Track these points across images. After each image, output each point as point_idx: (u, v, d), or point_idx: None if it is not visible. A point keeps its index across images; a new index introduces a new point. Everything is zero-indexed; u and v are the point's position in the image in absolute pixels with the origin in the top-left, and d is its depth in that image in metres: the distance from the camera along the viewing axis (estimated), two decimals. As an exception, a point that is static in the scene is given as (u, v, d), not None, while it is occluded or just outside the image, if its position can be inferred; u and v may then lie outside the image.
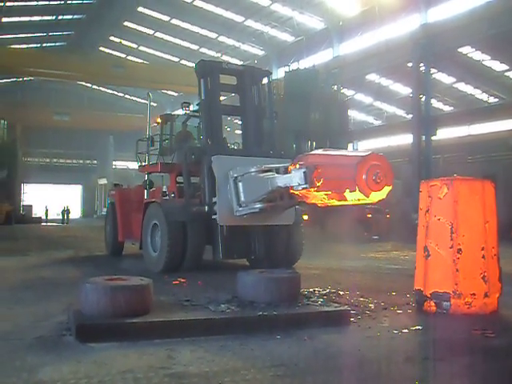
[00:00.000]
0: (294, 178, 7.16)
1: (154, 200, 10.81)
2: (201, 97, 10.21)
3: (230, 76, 11.05)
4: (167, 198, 10.94)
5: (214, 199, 9.42)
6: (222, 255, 9.49)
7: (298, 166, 7.07)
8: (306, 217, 8.85)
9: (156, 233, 10.27)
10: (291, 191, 7.43)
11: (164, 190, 11.47)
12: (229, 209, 9.13)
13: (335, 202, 6.83)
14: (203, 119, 10.44)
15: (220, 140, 10.40)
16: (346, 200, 6.57)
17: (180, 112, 13.00)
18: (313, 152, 7.56)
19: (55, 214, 50.79)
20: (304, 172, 6.85)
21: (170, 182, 11.89)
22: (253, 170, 8.72)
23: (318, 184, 6.68)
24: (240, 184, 9.00)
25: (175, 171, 11.45)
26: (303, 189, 6.94)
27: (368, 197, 6.33)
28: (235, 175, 9.05)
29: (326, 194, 6.73)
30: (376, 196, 6.39)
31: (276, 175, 8.08)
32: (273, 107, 11.07)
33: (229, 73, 10.99)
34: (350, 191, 6.33)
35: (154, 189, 12.16)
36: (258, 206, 8.67)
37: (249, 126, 10.54)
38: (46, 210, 48.88)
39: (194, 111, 12.02)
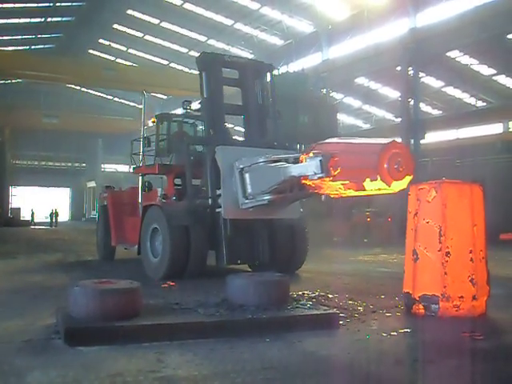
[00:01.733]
0: (309, 167, 6.88)
1: (153, 203, 10.38)
2: (202, 89, 9.79)
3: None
4: (164, 200, 10.55)
5: (218, 192, 9.07)
6: (227, 260, 9.11)
7: (312, 154, 6.84)
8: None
9: (156, 237, 9.80)
10: (303, 182, 7.16)
11: (160, 192, 11.10)
12: (234, 201, 8.76)
13: (352, 193, 6.62)
14: (205, 111, 9.90)
15: (223, 130, 9.96)
16: (364, 190, 6.37)
17: (179, 111, 12.70)
18: (328, 140, 7.14)
19: (43, 216, 50.57)
20: (320, 160, 6.62)
21: (167, 183, 11.42)
22: (261, 160, 8.37)
23: (334, 173, 6.48)
24: (247, 175, 8.61)
25: (173, 173, 11.09)
26: (319, 178, 6.71)
27: (390, 186, 6.16)
28: (241, 166, 8.66)
29: (342, 184, 6.53)
30: (397, 185, 6.22)
31: (289, 164, 7.74)
32: (276, 102, 10.58)
33: (231, 66, 10.57)
34: (371, 180, 6.17)
35: (151, 191, 11.65)
36: (267, 197, 8.27)
37: (251, 119, 10.17)
38: (32, 213, 48.64)
39: (195, 110, 11.51)
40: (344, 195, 6.81)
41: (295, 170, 7.42)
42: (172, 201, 10.50)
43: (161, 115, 12.46)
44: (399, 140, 29.41)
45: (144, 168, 11.94)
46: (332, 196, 7.08)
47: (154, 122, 12.30)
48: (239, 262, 9.62)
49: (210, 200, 9.19)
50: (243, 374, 4.01)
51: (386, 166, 6.06)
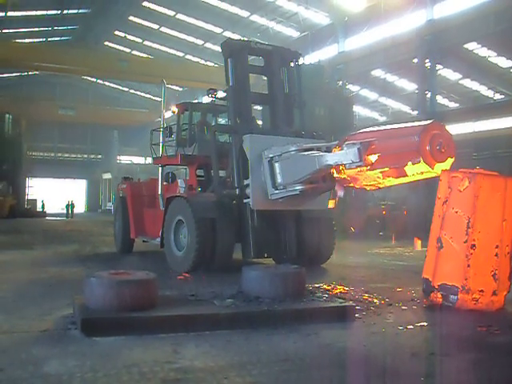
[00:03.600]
0: (347, 155, 6.66)
1: (178, 194, 10.08)
2: (228, 77, 9.42)
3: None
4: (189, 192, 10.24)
5: (246, 182, 8.79)
6: (254, 253, 8.93)
7: (349, 143, 6.64)
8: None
9: (181, 230, 9.55)
10: (335, 175, 6.97)
11: (181, 183, 10.78)
12: (263, 192, 8.53)
13: (391, 181, 6.44)
14: (231, 99, 9.49)
15: (250, 119, 9.56)
16: (405, 176, 6.19)
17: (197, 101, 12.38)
18: (362, 130, 7.01)
19: (59, 208, 50.83)
20: (358, 148, 6.44)
21: (190, 175, 11.17)
22: (293, 148, 8.10)
23: (372, 161, 6.32)
24: (277, 164, 8.36)
25: (196, 163, 10.87)
26: (357, 167, 6.50)
27: (433, 168, 5.96)
28: (271, 155, 8.41)
29: (381, 172, 6.36)
30: (440, 167, 6.03)
31: (324, 153, 7.45)
32: (302, 91, 10.25)
33: (257, 53, 10.26)
34: (413, 164, 5.97)
35: (173, 182, 11.37)
36: (299, 187, 8.04)
37: (277, 108, 9.79)
38: (43, 204, 48.90)
39: (220, 98, 10.89)
40: (381, 186, 6.65)
41: (331, 158, 7.13)
42: (197, 192, 10.31)
43: (182, 104, 12.05)
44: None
45: (165, 158, 11.69)
46: (368, 188, 6.89)
47: (174, 112, 11.97)
48: (266, 255, 9.40)
49: (237, 190, 8.95)
50: (259, 365, 4.01)
51: (428, 147, 5.88)
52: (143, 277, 5.40)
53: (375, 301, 6.61)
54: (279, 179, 8.34)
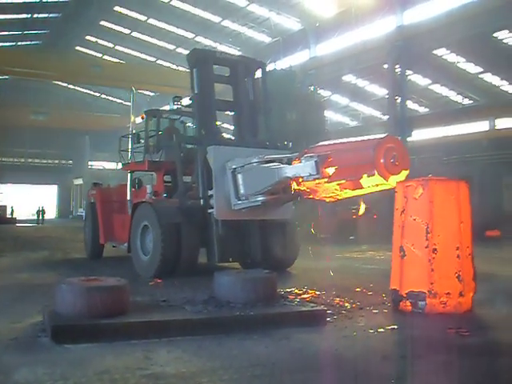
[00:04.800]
0: (304, 168, 6.85)
1: (144, 200, 10.13)
2: (193, 87, 9.62)
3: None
4: (154, 197, 10.31)
5: (210, 192, 8.95)
6: (218, 258, 9.01)
7: (307, 156, 6.80)
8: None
9: (147, 235, 9.66)
10: (295, 187, 7.14)
11: (149, 189, 10.78)
12: (226, 202, 8.73)
13: (348, 193, 6.62)
14: (196, 109, 9.70)
15: (214, 130, 9.79)
16: (361, 188, 6.39)
17: (166, 108, 12.64)
18: (320, 143, 7.20)
19: (30, 214, 50.29)
20: (315, 161, 6.61)
21: (157, 180, 11.31)
22: (254, 160, 8.29)
23: (329, 173, 6.48)
24: (239, 176, 8.55)
25: (163, 169, 11.00)
26: (314, 179, 6.68)
27: (387, 180, 6.20)
28: (234, 166, 8.60)
29: (338, 184, 6.54)
30: (395, 180, 6.25)
31: (284, 166, 7.64)
32: (268, 99, 10.45)
33: (222, 62, 10.47)
34: (369, 176, 6.18)
35: (141, 188, 11.49)
36: (260, 198, 8.23)
37: (242, 118, 10.06)
38: (12, 210, 48.32)
39: (186, 106, 11.30)
40: (340, 197, 6.83)
41: (290, 171, 7.33)
42: (163, 198, 10.40)
43: (150, 111, 12.22)
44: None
45: (133, 165, 11.82)
46: (327, 200, 7.07)
47: (143, 118, 12.09)
48: (231, 260, 9.55)
49: (201, 201, 9.07)
50: (231, 370, 4.01)
51: (382, 160, 6.09)
52: (114, 283, 5.37)
53: (346, 305, 6.64)
54: (242, 190, 8.54)
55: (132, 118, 12.64)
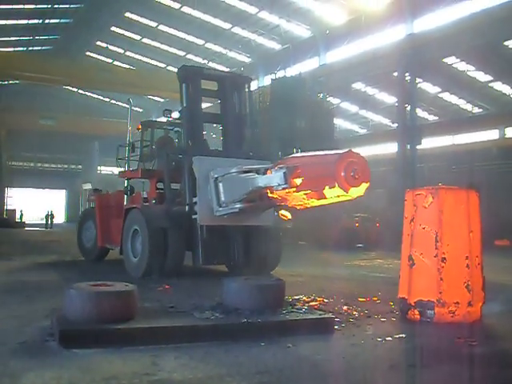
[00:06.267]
0: (274, 179, 7.33)
1: (134, 206, 10.87)
2: (182, 102, 10.35)
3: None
4: (147, 203, 11.11)
5: (195, 199, 9.54)
6: (202, 261, 9.57)
7: (278, 167, 7.25)
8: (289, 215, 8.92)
9: (136, 238, 10.29)
10: (269, 195, 7.63)
11: (144, 196, 11.60)
12: (209, 209, 9.26)
13: (314, 202, 7.03)
14: (184, 123, 10.56)
15: (201, 141, 10.56)
16: (325, 198, 6.76)
17: (164, 119, 13.08)
18: (293, 155, 7.89)
19: (39, 218, 50.41)
20: (284, 172, 7.05)
21: (150, 188, 11.94)
22: (233, 170, 8.82)
23: (297, 184, 6.89)
24: (220, 184, 9.11)
25: (156, 177, 11.56)
26: (283, 189, 7.12)
27: (347, 192, 6.47)
28: (216, 176, 9.16)
29: (305, 194, 6.94)
30: (355, 192, 6.53)
31: (256, 176, 8.20)
32: (254, 114, 11.23)
33: (210, 78, 11.17)
34: (330, 188, 6.52)
35: (134, 194, 12.24)
36: (238, 206, 8.79)
37: (229, 130, 10.74)
38: (21, 214, 48.48)
39: (176, 118, 12.18)
40: (308, 205, 7.23)
41: (261, 181, 7.89)
42: (152, 204, 11.06)
43: (145, 122, 13.06)
44: (395, 145, 29.61)
45: (129, 173, 12.60)
46: (298, 207, 7.45)
47: (138, 128, 12.82)
48: (215, 262, 10.22)
49: (186, 207, 9.67)
50: (238, 377, 4.01)
51: (342, 173, 6.39)
52: (122, 288, 5.37)
53: (354, 313, 6.63)
54: (222, 197, 9.11)
55: (129, 127, 13.11)
